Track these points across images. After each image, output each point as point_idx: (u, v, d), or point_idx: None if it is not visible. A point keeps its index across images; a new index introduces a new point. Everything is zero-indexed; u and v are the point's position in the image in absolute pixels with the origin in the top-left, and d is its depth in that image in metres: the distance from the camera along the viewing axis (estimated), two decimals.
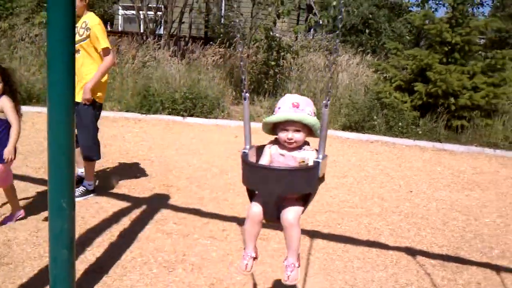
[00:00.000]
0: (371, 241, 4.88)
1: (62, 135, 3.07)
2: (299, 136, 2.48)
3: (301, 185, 2.42)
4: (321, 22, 15.78)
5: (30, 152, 6.89)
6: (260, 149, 2.66)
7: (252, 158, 2.62)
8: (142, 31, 14.76)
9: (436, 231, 5.29)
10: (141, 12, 14.85)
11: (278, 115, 2.47)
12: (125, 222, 4.80)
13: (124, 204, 5.20)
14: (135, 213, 5.02)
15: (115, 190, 5.67)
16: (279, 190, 2.42)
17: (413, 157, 8.49)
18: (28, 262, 3.89)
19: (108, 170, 6.42)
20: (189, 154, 7.53)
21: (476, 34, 10.58)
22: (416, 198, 6.37)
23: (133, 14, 15.62)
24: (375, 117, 9.97)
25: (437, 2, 20.59)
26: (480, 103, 9.77)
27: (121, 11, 18.89)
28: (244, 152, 2.57)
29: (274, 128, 2.57)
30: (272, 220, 2.56)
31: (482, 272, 4.39)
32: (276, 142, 2.59)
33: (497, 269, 4.45)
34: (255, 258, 2.66)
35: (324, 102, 2.38)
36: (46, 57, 2.99)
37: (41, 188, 5.42)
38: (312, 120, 2.46)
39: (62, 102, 3.01)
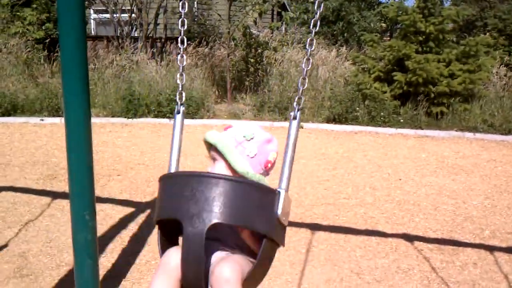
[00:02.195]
0: (370, 230, 5.11)
1: (81, 146, 3.14)
2: (218, 168, 1.83)
3: (249, 214, 1.63)
4: (293, 16, 15.98)
5: (25, 164, 6.95)
6: None
7: None
8: (117, 34, 14.76)
9: (429, 216, 5.55)
10: (115, 15, 14.84)
11: (205, 136, 1.91)
12: (133, 227, 4.94)
13: (128, 210, 5.34)
14: (141, 217, 5.17)
15: (117, 197, 5.80)
16: (211, 216, 1.57)
17: (397, 145, 8.77)
18: (47, 272, 4.02)
19: (105, 176, 6.53)
20: (182, 155, 7.59)
21: (449, 23, 10.90)
22: (406, 185, 6.62)
23: (106, 18, 15.59)
24: (357, 108, 10.23)
25: None
26: (458, 89, 10.11)
27: (93, 15, 18.79)
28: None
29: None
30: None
31: (476, 253, 4.65)
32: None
33: (490, 249, 4.72)
34: None
35: (292, 113, 1.83)
36: (61, 71, 3.08)
37: (45, 199, 5.53)
38: (218, 140, 1.83)
39: (79, 113, 3.08)
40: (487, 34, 13.69)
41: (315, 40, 1.92)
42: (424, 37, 10.60)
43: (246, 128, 1.89)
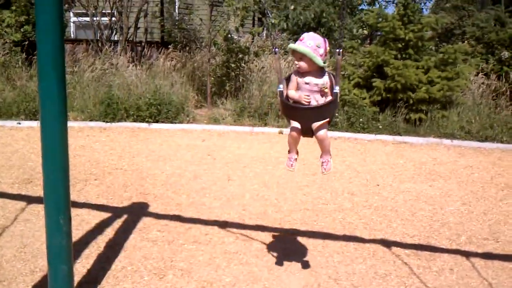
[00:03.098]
0: (348, 236, 5.12)
1: (57, 150, 3.12)
2: (302, 63, 3.28)
3: (326, 113, 3.32)
4: (274, 22, 16.00)
5: (0, 167, 6.84)
6: (288, 79, 3.42)
7: (284, 90, 3.41)
8: (97, 38, 14.64)
9: (406, 222, 5.58)
10: (95, 18, 14.71)
11: (289, 46, 3.34)
12: (109, 232, 4.88)
13: (105, 215, 5.28)
14: (118, 223, 5.11)
15: (93, 201, 5.73)
16: (310, 120, 3.30)
17: (376, 151, 8.82)
18: (20, 278, 3.95)
19: (82, 181, 6.45)
20: (160, 160, 7.62)
21: (428, 30, 11.03)
22: (384, 191, 6.66)
23: (86, 21, 15.43)
24: (336, 114, 10.26)
25: (387, 0, 21.19)
26: (436, 96, 10.22)
27: (73, 18, 18.61)
28: (280, 91, 3.36)
29: None
30: (307, 135, 3.41)
31: (453, 259, 4.69)
32: (297, 72, 3.37)
33: (466, 254, 4.76)
34: (296, 159, 3.65)
35: (337, 50, 3.14)
36: (38, 74, 3.04)
37: (20, 203, 5.44)
38: (302, 48, 3.22)
39: (55, 117, 3.06)
40: (465, 42, 13.85)
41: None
42: (403, 44, 10.70)
43: (315, 40, 3.26)
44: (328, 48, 3.32)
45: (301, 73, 3.34)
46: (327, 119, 3.35)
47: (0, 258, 4.25)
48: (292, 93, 3.41)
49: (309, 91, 3.33)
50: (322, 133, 3.34)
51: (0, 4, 13.78)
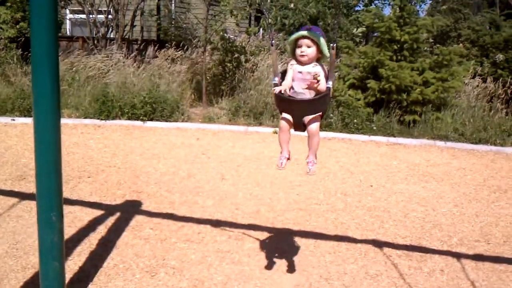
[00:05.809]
0: (340, 236, 5.14)
1: (49, 147, 3.11)
2: (310, 51, 3.27)
3: (319, 107, 3.31)
4: (271, 21, 16.01)
5: None
6: (284, 73, 3.44)
7: (279, 85, 3.40)
8: (93, 35, 14.63)
9: (398, 223, 5.60)
10: (91, 16, 14.70)
11: (296, 34, 3.30)
12: (102, 230, 4.89)
13: (98, 212, 5.28)
14: (110, 220, 5.11)
15: (86, 199, 5.73)
16: (303, 113, 3.29)
17: (370, 152, 8.84)
18: (12, 275, 3.95)
19: (75, 178, 6.45)
20: (154, 158, 7.62)
21: (423, 32, 11.07)
22: (377, 192, 6.68)
23: (82, 18, 15.41)
24: (331, 115, 10.29)
25: (383, 1, 21.22)
26: (431, 97, 10.26)
27: (69, 15, 18.57)
28: (274, 83, 3.41)
29: (295, 50, 3.34)
30: (298, 130, 3.41)
31: (443, 260, 4.71)
32: (296, 62, 3.36)
33: (457, 256, 4.79)
34: (288, 159, 3.57)
35: (331, 44, 3.08)
36: (31, 71, 3.05)
37: (12, 200, 5.44)
38: (316, 35, 3.25)
39: (48, 116, 3.06)
40: (460, 44, 13.91)
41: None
42: (398, 45, 10.74)
43: (321, 31, 3.33)
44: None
45: (301, 63, 3.33)
46: (320, 113, 3.34)
47: None
48: (286, 83, 3.36)
49: (301, 80, 3.31)
50: (314, 127, 3.32)
51: None
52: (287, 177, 6.90)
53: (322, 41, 3.26)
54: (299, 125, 3.38)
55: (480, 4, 20.48)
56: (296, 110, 3.30)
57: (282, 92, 3.30)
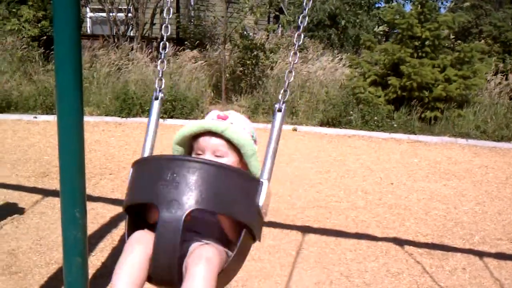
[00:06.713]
0: (360, 234, 5.12)
1: (73, 144, 3.13)
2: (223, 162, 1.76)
3: (230, 202, 1.57)
4: (289, 19, 16.02)
5: (17, 161, 6.93)
6: None
7: None
8: (113, 33, 14.75)
9: (420, 221, 5.57)
10: (111, 14, 14.82)
11: (192, 125, 1.88)
12: (123, 226, 4.92)
13: (120, 209, 5.30)
14: None
15: (108, 196, 5.79)
16: (189, 202, 1.50)
17: (390, 150, 8.79)
18: (36, 270, 4.01)
19: (97, 175, 6.52)
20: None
21: (444, 29, 10.97)
22: (397, 189, 6.64)
23: (102, 16, 15.55)
24: (351, 112, 10.25)
25: None
26: (453, 94, 10.16)
27: (89, 14, 18.75)
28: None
29: (191, 150, 1.92)
30: (165, 282, 1.58)
31: (465, 258, 4.67)
32: None
33: (480, 254, 4.74)
34: None
35: (277, 105, 1.83)
36: (54, 69, 3.08)
37: (36, 196, 5.52)
38: (239, 136, 1.79)
39: (72, 111, 3.07)
40: (482, 41, 13.75)
41: (302, 35, 1.91)
42: (420, 42, 10.65)
43: (249, 125, 1.92)
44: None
45: None
46: (221, 258, 1.63)
47: (16, 250, 4.32)
48: None
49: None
50: (208, 252, 1.58)
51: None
52: (306, 174, 6.89)
53: (245, 140, 1.83)
54: (169, 267, 1.53)
55: (502, 0, 20.20)
56: (171, 194, 1.53)
57: None
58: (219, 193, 1.54)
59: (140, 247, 1.56)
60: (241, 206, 1.58)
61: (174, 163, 1.56)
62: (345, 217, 5.59)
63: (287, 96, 1.84)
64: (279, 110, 1.80)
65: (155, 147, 1.98)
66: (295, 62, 1.89)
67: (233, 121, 1.85)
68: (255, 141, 1.88)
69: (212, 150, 1.78)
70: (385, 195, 6.38)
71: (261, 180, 1.68)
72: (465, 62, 10.60)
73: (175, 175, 1.52)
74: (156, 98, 2.00)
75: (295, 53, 1.88)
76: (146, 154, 1.90)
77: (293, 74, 1.88)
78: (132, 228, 1.68)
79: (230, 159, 1.78)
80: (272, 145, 1.76)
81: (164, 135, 9.01)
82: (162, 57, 2.03)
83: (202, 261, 1.51)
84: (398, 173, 7.39)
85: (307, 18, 1.90)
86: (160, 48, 2.05)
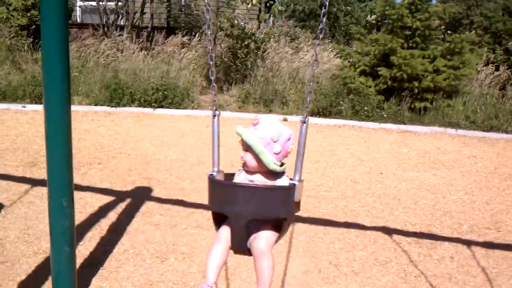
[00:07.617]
0: (349, 223, 5.14)
1: (60, 134, 3.11)
2: (248, 158, 2.22)
3: (274, 208, 2.14)
4: (281, 9, 15.96)
5: (5, 150, 6.88)
6: (228, 176, 2.41)
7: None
8: (103, 22, 14.63)
9: (408, 210, 5.60)
10: (101, 3, 14.69)
11: (238, 129, 2.26)
12: (112, 216, 4.92)
13: (108, 199, 5.31)
14: (121, 206, 5.15)
15: (97, 185, 5.76)
16: (248, 212, 2.12)
17: (380, 140, 8.81)
18: (23, 260, 4.00)
19: (86, 165, 6.49)
20: (164, 145, 7.64)
21: (435, 19, 10.97)
22: (387, 179, 6.67)
23: (92, 5, 15.42)
24: (341, 102, 10.26)
25: None
26: (442, 84, 10.20)
27: (79, 3, 18.59)
28: (211, 175, 2.33)
29: None
30: (241, 251, 2.23)
31: (453, 247, 4.71)
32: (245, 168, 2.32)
33: (468, 243, 4.78)
34: None
35: (301, 118, 2.19)
36: (41, 58, 3.05)
37: (24, 186, 5.49)
38: (248, 139, 2.18)
39: (59, 101, 3.05)
40: (473, 31, 13.76)
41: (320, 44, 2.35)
42: (410, 32, 10.65)
43: (273, 130, 2.22)
44: (291, 146, 2.25)
45: (249, 171, 2.30)
46: (274, 231, 2.22)
47: (4, 240, 4.30)
48: None
49: None
50: (262, 245, 2.13)
51: None
52: None
53: (259, 147, 2.17)
54: (242, 242, 2.19)
55: None
56: (237, 206, 2.14)
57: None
58: (267, 206, 2.13)
59: (222, 240, 2.23)
60: (282, 209, 2.16)
61: (237, 189, 2.21)
62: (334, 206, 5.60)
63: (309, 106, 2.37)
64: (304, 123, 2.21)
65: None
66: (316, 69, 2.48)
67: (258, 127, 2.23)
68: (274, 142, 2.20)
69: (243, 147, 2.26)
70: (374, 185, 6.40)
71: (294, 183, 2.17)
72: (455, 52, 10.63)
73: (238, 195, 2.16)
74: (214, 116, 2.42)
75: (316, 61, 2.38)
76: (215, 164, 2.41)
77: (312, 85, 2.45)
78: (217, 218, 2.31)
79: (249, 154, 2.23)
80: (300, 152, 2.19)
81: (155, 124, 9.04)
82: (213, 82, 2.50)
83: (259, 255, 2.15)
84: (387, 163, 7.42)
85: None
86: (210, 75, 2.49)
